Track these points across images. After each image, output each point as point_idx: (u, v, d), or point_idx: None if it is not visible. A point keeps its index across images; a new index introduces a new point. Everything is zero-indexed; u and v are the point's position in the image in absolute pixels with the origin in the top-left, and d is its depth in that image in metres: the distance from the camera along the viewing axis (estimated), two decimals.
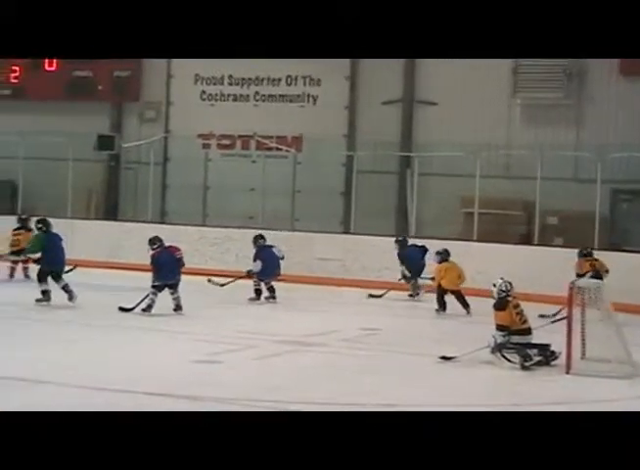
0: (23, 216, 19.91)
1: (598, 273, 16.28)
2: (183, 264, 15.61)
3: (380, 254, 19.78)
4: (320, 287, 19.96)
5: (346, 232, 22.34)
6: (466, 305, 16.68)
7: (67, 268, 16.29)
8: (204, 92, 25.38)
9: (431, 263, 17.64)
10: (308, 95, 24.62)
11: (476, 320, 15.26)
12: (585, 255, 17.16)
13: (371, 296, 18.57)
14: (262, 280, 17.55)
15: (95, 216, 25.24)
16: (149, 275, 15.38)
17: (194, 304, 15.76)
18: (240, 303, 17.18)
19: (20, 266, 19.09)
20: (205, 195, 24.61)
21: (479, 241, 20.33)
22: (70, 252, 17.01)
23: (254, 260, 17.64)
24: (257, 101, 25.00)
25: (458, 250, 17.68)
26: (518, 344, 11.83)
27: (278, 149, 23.98)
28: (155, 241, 15.67)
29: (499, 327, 11.89)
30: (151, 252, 15.53)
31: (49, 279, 15.74)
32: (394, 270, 18.72)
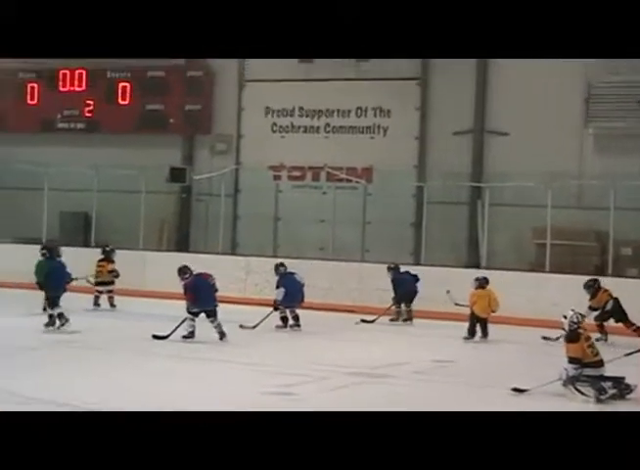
0: (107, 248, 20.21)
1: (618, 302, 16.79)
2: (216, 290, 15.65)
3: (449, 285, 19.62)
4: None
5: (417, 263, 22.22)
6: (485, 334, 16.80)
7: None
8: (274, 124, 25.53)
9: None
10: (379, 126, 24.64)
11: (545, 351, 15.05)
12: (598, 287, 17.19)
13: (363, 321, 18.76)
14: (287, 307, 17.57)
15: (167, 248, 25.45)
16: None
17: (255, 333, 15.74)
18: (301, 334, 17.18)
19: (104, 295, 19.60)
20: (275, 226, 24.69)
21: (551, 272, 20.10)
22: (143, 283, 17.24)
23: (277, 288, 17.66)
24: (328, 132, 25.08)
25: (530, 281, 17.54)
26: (591, 376, 11.62)
27: (348, 180, 24.00)
28: (185, 270, 15.77)
29: (571, 360, 11.68)
30: (182, 282, 15.63)
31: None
32: (461, 301, 18.56)
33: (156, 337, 15.21)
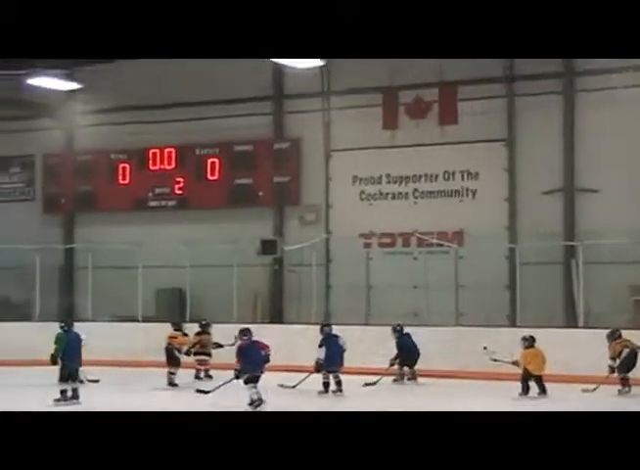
0: (204, 322, 20.44)
1: (634, 350, 17.26)
2: (268, 361, 15.65)
3: (545, 346, 19.32)
4: (487, 382, 19.58)
5: (513, 325, 21.93)
6: (543, 390, 17.12)
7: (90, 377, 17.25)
8: (362, 192, 25.63)
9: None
10: (467, 189, 24.59)
11: None
12: (616, 337, 17.60)
13: (366, 384, 18.65)
14: (329, 372, 17.53)
15: (261, 320, 25.55)
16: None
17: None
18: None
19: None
20: (368, 293, 24.64)
21: None
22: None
23: (319, 347, 17.71)
24: (416, 198, 25.10)
25: (631, 338, 17.23)
26: None
27: (439, 244, 23.91)
28: (245, 332, 15.79)
29: None
30: (239, 342, 15.78)
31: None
32: (562, 363, 18.30)
33: (199, 391, 15.80)
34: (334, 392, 17.52)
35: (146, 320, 24.31)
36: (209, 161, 27.02)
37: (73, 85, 26.08)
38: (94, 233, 27.63)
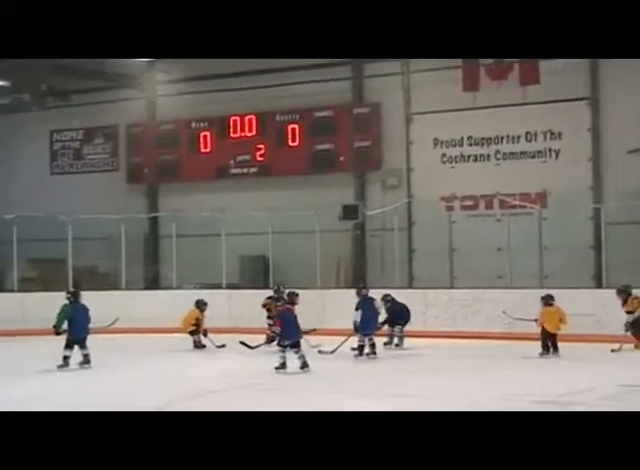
0: (275, 288, 20.49)
1: None
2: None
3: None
4: (573, 344, 19.36)
5: (599, 286, 21.64)
6: (555, 349, 17.50)
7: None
8: (444, 155, 25.44)
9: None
10: (550, 149, 24.25)
11: None
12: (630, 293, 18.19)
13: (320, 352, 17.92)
14: (364, 335, 17.53)
15: (344, 285, 25.58)
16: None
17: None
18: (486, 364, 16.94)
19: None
20: (451, 257, 24.50)
21: None
22: (322, 321, 17.36)
23: (356, 310, 17.80)
24: (498, 159, 24.83)
25: None
26: None
27: (522, 206, 23.65)
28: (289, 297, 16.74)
29: None
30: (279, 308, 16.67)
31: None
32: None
33: (242, 343, 16.69)
34: (367, 354, 17.54)
35: (230, 287, 24.51)
36: (290, 127, 27.04)
37: None
38: (177, 202, 27.88)
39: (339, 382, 15.00)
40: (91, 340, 17.00)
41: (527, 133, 24.41)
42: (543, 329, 17.60)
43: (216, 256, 25.01)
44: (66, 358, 16.62)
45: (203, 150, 28.11)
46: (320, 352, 17.47)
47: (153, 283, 27.32)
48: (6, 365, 17.87)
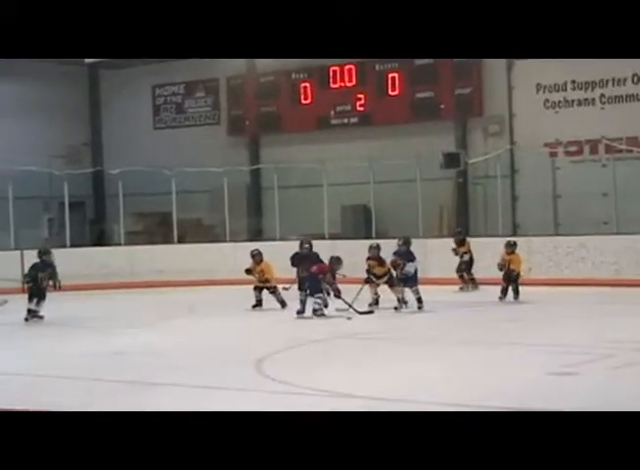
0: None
1: None
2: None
3: None
4: None
5: None
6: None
7: None
8: (547, 100, 24.99)
9: None
10: None
11: None
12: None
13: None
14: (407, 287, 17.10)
15: (447, 234, 25.44)
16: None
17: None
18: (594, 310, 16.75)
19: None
20: (555, 204, 24.16)
21: None
22: (425, 270, 17.38)
23: (410, 261, 17.19)
24: (603, 103, 24.29)
25: None
26: None
27: (629, 151, 23.13)
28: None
29: None
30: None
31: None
32: None
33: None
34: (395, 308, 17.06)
35: (332, 237, 24.58)
36: (390, 76, 26.84)
37: None
38: (279, 153, 27.96)
39: (449, 332, 14.99)
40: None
41: (634, 75, 23.79)
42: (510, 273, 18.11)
43: (318, 206, 25.10)
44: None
45: (303, 101, 28.11)
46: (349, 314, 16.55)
47: (256, 234, 27.54)
48: (120, 316, 18.30)
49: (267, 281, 18.21)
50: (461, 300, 19.33)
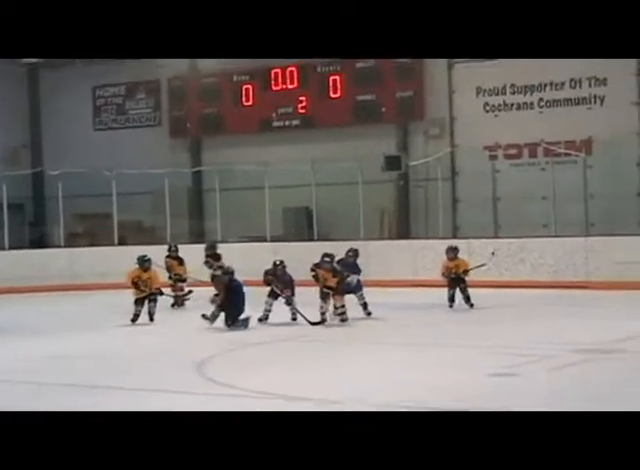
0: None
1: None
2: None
3: None
4: (621, 292, 19.28)
5: None
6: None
7: None
8: (486, 104, 25.21)
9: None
10: (595, 96, 23.94)
11: None
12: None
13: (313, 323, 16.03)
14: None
15: (388, 236, 25.58)
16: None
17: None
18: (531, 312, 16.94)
19: None
20: (495, 206, 24.38)
21: None
22: (366, 273, 17.42)
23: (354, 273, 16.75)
24: (542, 107, 24.57)
25: None
26: None
27: (567, 154, 23.40)
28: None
29: None
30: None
31: None
32: None
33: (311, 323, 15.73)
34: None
35: (274, 240, 24.59)
36: (332, 78, 26.91)
37: None
38: (221, 155, 27.88)
39: (393, 334, 15.09)
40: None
41: (572, 80, 24.10)
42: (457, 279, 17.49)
43: (260, 208, 25.07)
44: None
45: (245, 103, 28.07)
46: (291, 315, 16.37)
47: (198, 236, 27.46)
48: (60, 319, 18.14)
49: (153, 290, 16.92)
50: (403, 302, 19.40)
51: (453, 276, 17.50)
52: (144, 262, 17.01)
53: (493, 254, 19.16)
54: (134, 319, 16.67)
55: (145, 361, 12.82)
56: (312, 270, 16.18)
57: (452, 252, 17.80)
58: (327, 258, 16.18)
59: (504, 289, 20.26)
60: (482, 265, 18.25)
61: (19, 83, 31.32)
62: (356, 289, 16.65)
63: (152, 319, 16.73)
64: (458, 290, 17.48)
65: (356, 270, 16.89)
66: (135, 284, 16.81)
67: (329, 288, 15.99)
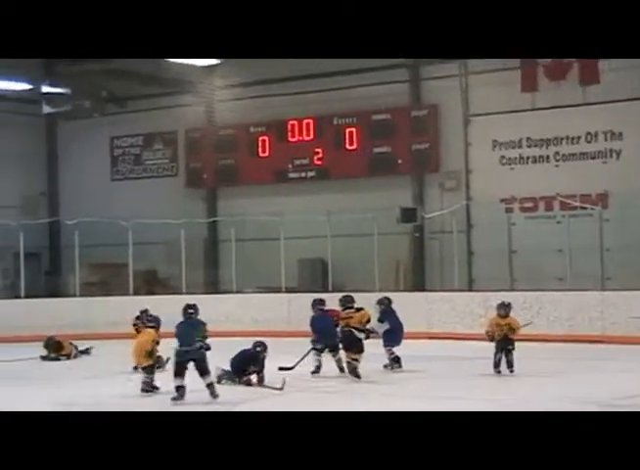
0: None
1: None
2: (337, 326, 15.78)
3: None
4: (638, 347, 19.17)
5: None
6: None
7: None
8: (502, 157, 25.28)
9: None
10: (611, 150, 23.99)
11: None
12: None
13: (281, 368, 15.86)
14: (387, 346, 16.45)
15: (403, 288, 25.53)
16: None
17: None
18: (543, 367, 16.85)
19: None
20: (510, 259, 24.35)
21: None
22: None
23: (379, 322, 16.59)
24: (558, 161, 24.63)
25: None
26: None
27: (582, 207, 23.42)
28: (316, 303, 16.45)
29: None
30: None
31: None
32: None
33: (281, 368, 15.60)
34: (388, 367, 16.41)
35: (289, 291, 24.57)
36: (348, 130, 27.05)
37: (212, 60, 26.27)
38: (236, 206, 28.03)
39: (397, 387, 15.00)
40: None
41: (588, 134, 24.17)
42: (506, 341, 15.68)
43: (275, 259, 25.08)
44: None
45: (261, 154, 28.21)
46: (280, 368, 15.78)
47: (213, 287, 27.47)
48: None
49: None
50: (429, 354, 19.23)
51: (499, 337, 15.63)
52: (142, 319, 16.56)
53: (529, 324, 17.22)
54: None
55: None
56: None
57: (505, 308, 15.90)
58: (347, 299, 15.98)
59: (519, 342, 20.13)
60: (529, 323, 17.10)
61: (36, 133, 31.58)
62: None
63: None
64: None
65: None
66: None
67: (356, 329, 15.45)
